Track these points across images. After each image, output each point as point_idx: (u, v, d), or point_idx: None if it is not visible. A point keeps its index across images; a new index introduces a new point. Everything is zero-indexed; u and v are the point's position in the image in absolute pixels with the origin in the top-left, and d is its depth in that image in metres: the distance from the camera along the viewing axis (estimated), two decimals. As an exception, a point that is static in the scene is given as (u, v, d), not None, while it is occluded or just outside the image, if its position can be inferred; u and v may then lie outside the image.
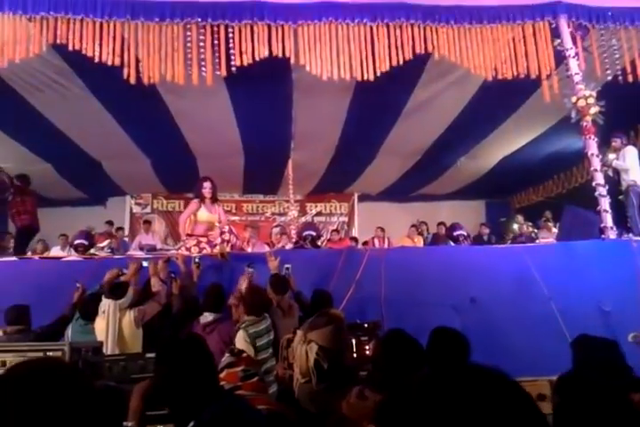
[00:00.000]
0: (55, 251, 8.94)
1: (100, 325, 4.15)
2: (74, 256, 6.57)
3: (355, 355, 3.17)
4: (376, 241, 10.11)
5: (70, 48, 5.56)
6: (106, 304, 4.11)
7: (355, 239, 10.65)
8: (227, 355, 2.16)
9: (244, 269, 5.03)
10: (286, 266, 4.94)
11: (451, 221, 10.97)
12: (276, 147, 9.34)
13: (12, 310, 4.04)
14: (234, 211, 12.95)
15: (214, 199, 6.21)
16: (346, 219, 13.47)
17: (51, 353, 2.84)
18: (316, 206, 13.28)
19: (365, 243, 10.43)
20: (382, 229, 10.41)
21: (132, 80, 5.64)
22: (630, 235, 5.75)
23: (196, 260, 5.14)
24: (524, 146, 9.45)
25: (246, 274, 4.78)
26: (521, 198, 12.77)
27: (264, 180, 11.67)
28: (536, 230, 9.06)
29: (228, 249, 5.73)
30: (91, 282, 4.84)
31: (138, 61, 5.66)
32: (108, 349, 3.98)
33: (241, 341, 3.70)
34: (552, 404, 3.69)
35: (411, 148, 9.75)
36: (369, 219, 12.35)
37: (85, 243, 6.51)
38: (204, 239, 5.92)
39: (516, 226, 9.73)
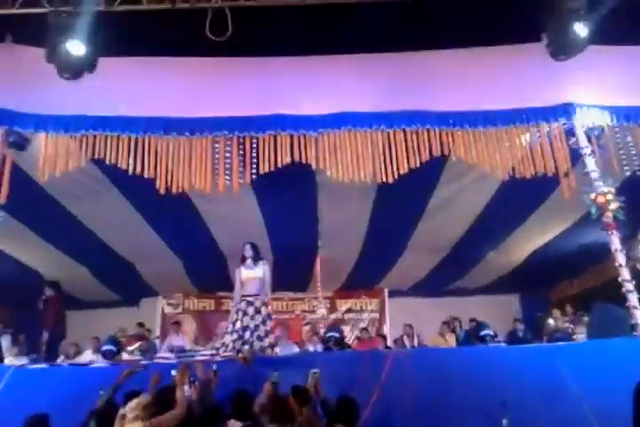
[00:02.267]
0: (87, 354, 8.92)
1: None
2: (101, 362, 6.56)
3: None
4: (405, 338, 9.81)
5: (107, 162, 5.98)
6: (121, 413, 4.03)
7: (384, 337, 10.36)
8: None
9: (269, 374, 4.93)
10: (313, 371, 4.81)
11: (484, 316, 10.68)
12: (303, 245, 9.48)
13: (29, 419, 4.00)
14: (264, 309, 12.85)
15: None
16: (377, 315, 13.19)
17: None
18: (346, 303, 13.12)
19: (395, 341, 10.13)
20: (411, 326, 10.11)
21: (162, 190, 5.96)
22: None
23: (214, 367, 4.94)
24: (551, 240, 9.39)
25: (269, 381, 4.66)
26: (557, 291, 12.40)
27: (293, 277, 11.68)
28: (572, 326, 8.69)
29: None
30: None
31: (168, 172, 6.02)
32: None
33: None
34: None
35: (438, 243, 9.78)
36: (400, 315, 12.08)
37: (113, 349, 6.51)
38: None
39: (551, 321, 9.37)
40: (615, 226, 5.89)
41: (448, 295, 12.69)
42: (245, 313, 6.04)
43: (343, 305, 13.16)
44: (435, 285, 12.25)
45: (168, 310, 12.70)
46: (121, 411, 4.11)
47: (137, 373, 4.78)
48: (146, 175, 5.94)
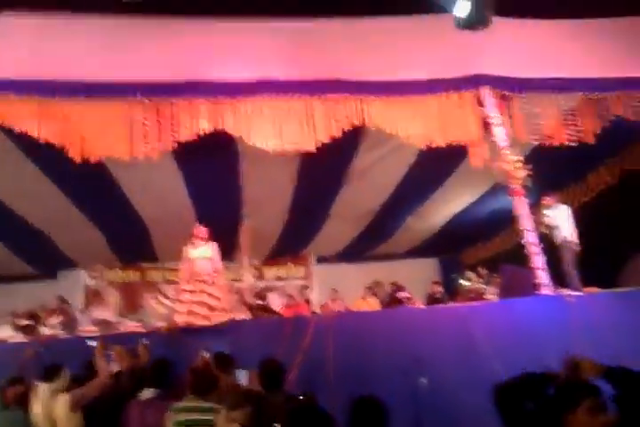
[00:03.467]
0: (5, 330, 8.61)
1: (36, 410, 4.01)
2: (19, 338, 6.38)
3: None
4: (331, 303, 10.10)
5: (15, 129, 5.66)
6: (40, 389, 3.99)
7: (310, 302, 10.61)
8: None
9: (194, 345, 4.97)
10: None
11: (407, 279, 11.18)
12: (227, 214, 9.45)
13: None
14: (189, 278, 12.80)
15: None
16: (304, 282, 13.46)
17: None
18: (274, 270, 13.28)
19: (322, 306, 10.41)
20: (336, 291, 10.42)
21: (78, 159, 5.74)
22: (566, 290, 5.96)
23: (144, 341, 4.84)
24: (466, 206, 9.90)
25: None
26: (471, 255, 13.10)
27: (219, 246, 11.66)
28: (485, 286, 9.23)
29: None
30: (35, 364, 4.70)
31: (82, 140, 5.79)
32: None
33: None
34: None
35: (360, 210, 10.04)
36: (327, 281, 12.36)
37: (31, 324, 6.34)
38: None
39: (465, 282, 9.90)
40: (523, 193, 6.28)
41: (372, 260, 13.10)
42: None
43: (271, 273, 13.30)
44: (359, 250, 12.62)
45: (90, 282, 12.38)
46: (42, 386, 4.06)
47: (40, 355, 4.71)
48: (56, 143, 5.67)
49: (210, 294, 5.98)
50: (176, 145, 5.96)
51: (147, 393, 3.97)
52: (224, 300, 6.17)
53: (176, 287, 6.68)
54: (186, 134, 5.89)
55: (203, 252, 6.38)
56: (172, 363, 4.45)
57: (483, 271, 9.84)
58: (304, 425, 2.10)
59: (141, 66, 6.05)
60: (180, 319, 5.88)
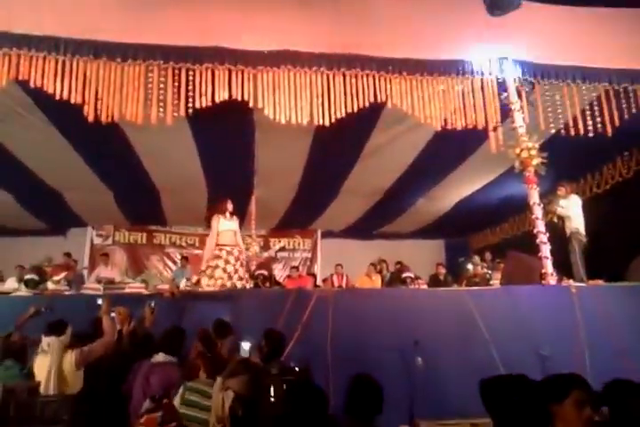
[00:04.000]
0: (10, 282, 8.77)
1: (41, 363, 4.10)
2: (24, 291, 6.49)
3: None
4: (335, 278, 10.20)
5: (32, 85, 5.65)
6: (46, 342, 4.08)
7: (314, 276, 10.72)
8: (147, 401, 2.21)
9: (197, 309, 5.02)
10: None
11: (411, 260, 11.22)
12: (238, 183, 9.47)
13: None
14: (197, 245, 12.94)
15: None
16: (309, 255, 13.57)
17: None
18: (280, 242, 13.35)
19: (324, 280, 10.52)
20: (341, 266, 10.51)
21: (91, 118, 5.73)
22: (571, 281, 5.97)
23: (152, 304, 4.97)
24: (478, 190, 9.84)
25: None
26: (479, 239, 13.10)
27: (228, 214, 11.73)
28: (490, 271, 9.27)
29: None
30: (38, 320, 4.79)
31: (98, 99, 5.76)
32: (50, 389, 3.93)
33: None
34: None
35: (371, 188, 10.02)
36: (331, 255, 12.47)
37: (36, 278, 6.44)
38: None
39: (470, 266, 9.95)
40: (536, 180, 6.23)
41: (378, 238, 13.19)
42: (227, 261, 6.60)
43: (277, 244, 13.37)
44: (366, 228, 12.66)
45: (97, 241, 12.54)
46: (49, 340, 4.14)
47: (41, 313, 4.79)
48: (72, 101, 5.65)
49: (233, 264, 6.51)
50: (191, 111, 5.90)
51: (158, 358, 4.03)
52: (243, 271, 6.70)
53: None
54: (202, 101, 5.83)
55: (230, 225, 6.95)
56: (184, 331, 4.51)
57: (488, 257, 9.89)
58: (297, 399, 2.14)
59: (163, 29, 5.94)
60: (204, 284, 6.37)
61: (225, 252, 6.65)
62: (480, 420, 3.85)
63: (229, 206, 7.08)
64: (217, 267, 6.51)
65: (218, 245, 6.75)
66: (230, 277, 6.46)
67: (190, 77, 5.88)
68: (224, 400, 2.42)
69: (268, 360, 3.51)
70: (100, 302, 4.83)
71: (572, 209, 6.76)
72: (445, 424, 4.06)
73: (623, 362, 4.66)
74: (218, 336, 4.27)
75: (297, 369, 3.64)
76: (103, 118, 5.82)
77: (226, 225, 6.92)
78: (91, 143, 7.71)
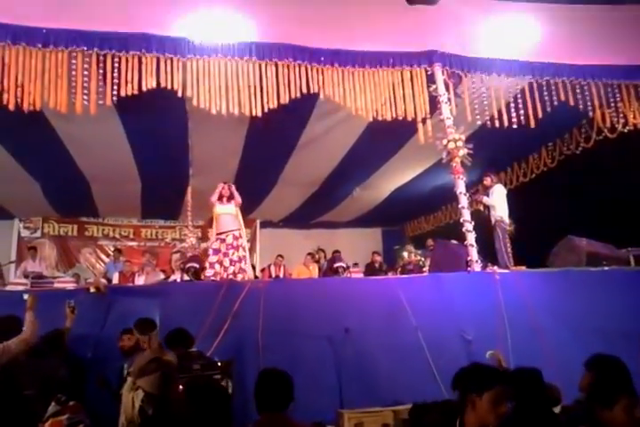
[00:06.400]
0: None
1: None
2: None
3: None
4: (273, 268, 10.22)
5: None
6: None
7: (252, 267, 10.67)
8: (53, 404, 2.16)
9: (125, 304, 4.91)
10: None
11: (350, 248, 11.41)
12: (173, 173, 9.31)
13: None
14: (132, 236, 12.64)
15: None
16: (248, 245, 13.47)
17: None
18: (218, 232, 13.19)
19: (262, 270, 10.51)
20: (282, 257, 10.53)
21: (12, 106, 5.47)
22: (495, 267, 6.22)
23: (71, 303, 4.78)
24: (411, 180, 10.08)
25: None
26: (414, 227, 13.43)
27: (163, 205, 11.52)
28: (423, 259, 9.51)
29: None
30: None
31: (18, 87, 5.50)
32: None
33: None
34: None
35: (308, 178, 10.06)
36: (270, 245, 12.46)
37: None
38: None
39: (405, 254, 10.18)
40: (462, 171, 6.43)
41: (317, 228, 13.28)
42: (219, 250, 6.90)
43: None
44: (305, 217, 12.72)
45: (25, 233, 12.02)
46: None
47: None
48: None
49: (235, 248, 6.89)
50: (117, 100, 5.73)
51: None
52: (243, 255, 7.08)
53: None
54: (128, 89, 5.67)
55: (226, 209, 7.18)
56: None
57: (430, 243, 10.02)
58: (198, 397, 2.12)
59: (86, 14, 5.71)
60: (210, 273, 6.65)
61: (219, 241, 6.96)
62: (403, 407, 4.01)
63: (224, 191, 7.22)
64: (217, 262, 6.78)
65: (217, 234, 7.07)
66: (222, 265, 6.74)
67: (116, 65, 5.70)
68: (134, 400, 2.40)
69: (186, 354, 3.49)
70: (25, 297, 4.66)
71: (496, 198, 7.02)
72: (368, 412, 4.16)
73: (540, 341, 4.96)
74: (142, 333, 4.15)
75: (219, 364, 3.65)
76: (25, 106, 5.58)
77: (222, 209, 7.18)
78: (14, 132, 7.35)
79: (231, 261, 6.86)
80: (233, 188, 7.33)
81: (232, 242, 6.96)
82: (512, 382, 2.52)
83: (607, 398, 2.10)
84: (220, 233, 7.04)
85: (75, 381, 3.96)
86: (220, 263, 6.79)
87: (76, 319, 4.76)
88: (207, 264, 6.89)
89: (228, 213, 7.18)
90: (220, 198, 7.24)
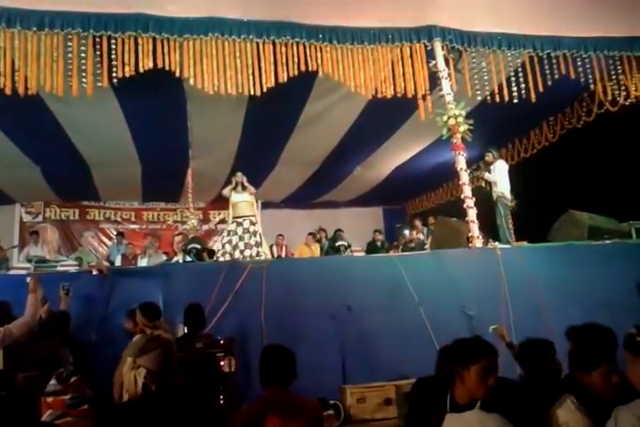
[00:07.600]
0: None
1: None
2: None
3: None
4: (274, 248, 10.25)
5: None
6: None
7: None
8: (53, 380, 2.18)
9: (127, 286, 4.95)
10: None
11: (352, 227, 11.40)
12: (173, 155, 9.26)
13: None
14: (133, 219, 12.67)
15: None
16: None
17: None
18: (220, 214, 13.23)
19: (265, 251, 10.54)
20: (282, 237, 10.57)
21: (8, 90, 5.44)
22: (497, 243, 6.23)
23: (65, 286, 4.81)
24: (412, 157, 10.04)
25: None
26: (415, 205, 13.44)
27: (164, 188, 11.51)
28: (424, 237, 9.53)
29: None
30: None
31: (14, 71, 5.46)
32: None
33: None
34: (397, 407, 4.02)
35: (309, 157, 10.02)
36: (272, 226, 12.42)
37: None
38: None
39: (407, 232, 10.19)
40: (463, 147, 6.40)
41: (318, 208, 13.28)
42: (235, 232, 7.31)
43: (216, 216, 13.26)
44: (306, 197, 12.72)
45: (27, 218, 12.05)
46: None
47: None
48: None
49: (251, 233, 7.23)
50: (114, 82, 5.69)
51: None
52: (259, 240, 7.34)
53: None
54: (125, 71, 5.62)
55: (241, 197, 7.51)
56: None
57: (431, 220, 10.04)
58: (194, 374, 2.17)
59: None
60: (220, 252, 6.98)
61: (235, 224, 7.36)
62: (405, 381, 4.07)
63: (239, 179, 7.57)
64: (229, 242, 7.22)
65: (234, 217, 7.43)
66: (236, 248, 7.12)
67: (113, 46, 5.64)
68: (136, 378, 2.45)
69: (190, 334, 3.54)
70: (28, 280, 4.70)
71: (498, 174, 7.00)
72: (370, 387, 4.23)
73: (542, 316, 5.00)
74: (149, 320, 4.15)
75: (222, 342, 3.70)
76: (21, 90, 5.54)
77: (238, 198, 7.53)
78: (12, 116, 7.31)
79: (246, 244, 7.19)
80: (245, 179, 7.65)
81: (248, 227, 7.33)
82: (524, 352, 2.59)
83: (585, 364, 2.17)
84: (238, 217, 7.42)
85: (77, 362, 4.03)
86: (234, 245, 7.16)
87: (80, 302, 4.82)
88: (220, 244, 7.31)
89: (244, 201, 7.55)
90: (235, 188, 7.60)
